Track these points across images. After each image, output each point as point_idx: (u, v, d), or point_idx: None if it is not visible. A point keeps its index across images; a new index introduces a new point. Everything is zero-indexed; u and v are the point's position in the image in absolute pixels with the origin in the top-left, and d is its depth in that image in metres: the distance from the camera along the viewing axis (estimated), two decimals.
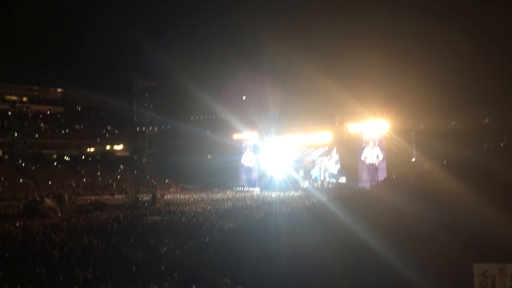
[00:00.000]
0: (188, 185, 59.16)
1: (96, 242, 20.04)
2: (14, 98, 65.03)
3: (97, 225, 26.63)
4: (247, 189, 54.85)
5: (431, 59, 38.96)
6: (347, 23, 55.70)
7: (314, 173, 53.18)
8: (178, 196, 48.76)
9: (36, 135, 62.76)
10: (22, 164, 57.69)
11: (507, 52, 36.02)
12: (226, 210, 32.88)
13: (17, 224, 27.44)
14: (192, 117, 72.23)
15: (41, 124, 65.46)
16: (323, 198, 26.93)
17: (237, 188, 55.55)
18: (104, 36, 78.32)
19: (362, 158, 44.86)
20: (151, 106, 70.94)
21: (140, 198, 41.04)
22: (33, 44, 76.33)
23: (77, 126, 69.16)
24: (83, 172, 60.27)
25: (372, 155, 44.12)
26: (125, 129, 71.67)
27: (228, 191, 52.06)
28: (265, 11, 77.69)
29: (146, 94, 70.53)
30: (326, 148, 51.94)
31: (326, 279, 10.19)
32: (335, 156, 51.19)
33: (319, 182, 51.04)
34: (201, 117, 72.04)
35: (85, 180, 56.78)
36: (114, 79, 74.85)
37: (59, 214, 32.23)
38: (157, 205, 37.04)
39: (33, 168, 57.61)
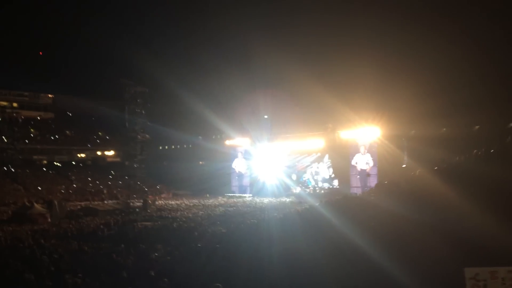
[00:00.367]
0: (179, 191, 58.96)
1: (86, 248, 19.87)
2: (4, 103, 64.57)
3: (87, 231, 26.42)
4: (239, 195, 54.75)
5: (421, 66, 39.36)
6: (338, 30, 56.09)
7: (306, 178, 53.25)
8: (170, 201, 48.54)
9: (26, 141, 62.21)
10: (11, 169, 57.08)
11: (496, 58, 36.51)
12: (218, 215, 32.79)
13: (6, 230, 27.11)
14: (184, 123, 72.04)
15: (32, 130, 64.93)
16: (315, 203, 26.98)
17: (229, 194, 55.43)
18: (96, 41, 78.00)
19: (353, 163, 45.05)
20: (143, 112, 70.64)
21: (131, 204, 40.81)
22: (23, 49, 75.83)
23: (67, 132, 68.69)
24: (73, 177, 59.81)
25: (364, 161, 44.34)
26: (116, 135, 71.28)
27: (220, 197, 51.95)
28: (258, 17, 78.01)
29: (138, 100, 70.23)
30: (318, 154, 52.10)
31: (319, 283, 10.19)
32: (327, 162, 51.35)
33: (311, 188, 51.13)
34: (193, 123, 71.88)
35: (76, 185, 56.35)
36: (106, 85, 74.41)
37: (49, 220, 31.92)
38: (148, 211, 36.89)
39: (23, 173, 57.03)
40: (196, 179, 57.62)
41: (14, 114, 63.13)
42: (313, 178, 52.58)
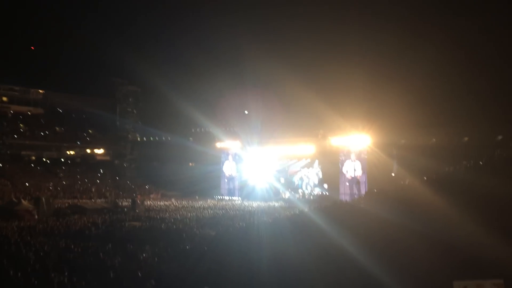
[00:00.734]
0: (169, 192, 58.68)
1: (73, 246, 19.70)
2: None
3: (74, 229, 26.19)
4: (228, 198, 54.66)
5: (413, 75, 39.79)
6: (330, 38, 56.63)
7: (296, 182, 53.31)
8: (159, 202, 48.28)
9: (15, 136, 61.51)
10: None
11: (488, 70, 37.04)
12: (207, 218, 32.71)
13: None
14: (175, 125, 71.88)
15: (21, 125, 64.22)
16: (305, 209, 27.03)
17: (218, 197, 55.31)
18: (89, 39, 77.53)
19: (344, 171, 45.25)
20: (135, 111, 70.47)
21: (119, 203, 40.51)
22: (15, 45, 75.05)
23: (57, 129, 67.93)
24: (62, 175, 59.22)
25: (353, 169, 44.54)
26: (107, 133, 70.85)
27: (209, 199, 51.81)
28: (251, 23, 78.27)
29: (130, 100, 70.08)
30: (309, 160, 52.21)
31: (308, 287, 10.22)
32: (317, 168, 51.49)
33: (301, 193, 51.23)
34: (184, 125, 71.74)
35: (64, 183, 55.79)
36: (98, 82, 73.97)
37: (36, 217, 31.56)
38: (137, 211, 36.63)
39: (11, 169, 56.34)
40: (185, 181, 57.38)
41: (4, 109, 62.51)
42: (303, 183, 52.67)
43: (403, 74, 42.02)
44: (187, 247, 19.12)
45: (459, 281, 7.62)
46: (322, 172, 51.00)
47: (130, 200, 41.67)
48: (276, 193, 52.34)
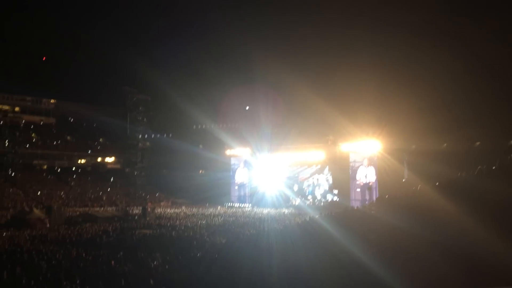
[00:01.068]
0: (179, 199, 58.78)
1: (84, 255, 19.77)
2: (6, 107, 64.69)
3: (86, 237, 26.30)
4: (238, 205, 54.59)
5: (423, 80, 39.56)
6: (340, 44, 56.58)
7: (307, 189, 53.11)
8: (169, 210, 48.37)
9: (27, 145, 62.21)
10: (11, 173, 57.01)
11: (498, 75, 36.68)
12: (217, 225, 32.66)
13: (4, 234, 27.01)
14: (184, 132, 72.14)
15: (33, 135, 64.97)
16: (315, 215, 26.89)
17: (228, 204, 55.28)
18: (100, 48, 78.41)
19: (357, 178, 44.97)
20: (145, 119, 70.80)
21: (130, 211, 40.64)
22: (27, 55, 76.20)
23: (69, 138, 68.68)
24: (73, 183, 59.68)
25: (365, 175, 44.29)
26: (117, 141, 71.28)
27: (219, 207, 51.79)
28: (260, 30, 78.63)
29: (140, 108, 70.44)
30: (319, 167, 52.06)
31: None
32: (327, 174, 51.28)
33: (311, 200, 51.01)
34: (194, 132, 71.98)
35: (75, 191, 56.22)
36: (108, 91, 74.78)
37: (48, 225, 31.80)
38: (147, 219, 36.72)
39: (23, 178, 56.93)
40: (195, 188, 57.45)
41: (16, 119, 63.28)
42: (313, 190, 52.46)
43: (413, 79, 41.79)
44: (198, 254, 19.09)
45: None
46: (332, 178, 50.80)
47: (140, 208, 41.79)
48: (286, 199, 52.18)
